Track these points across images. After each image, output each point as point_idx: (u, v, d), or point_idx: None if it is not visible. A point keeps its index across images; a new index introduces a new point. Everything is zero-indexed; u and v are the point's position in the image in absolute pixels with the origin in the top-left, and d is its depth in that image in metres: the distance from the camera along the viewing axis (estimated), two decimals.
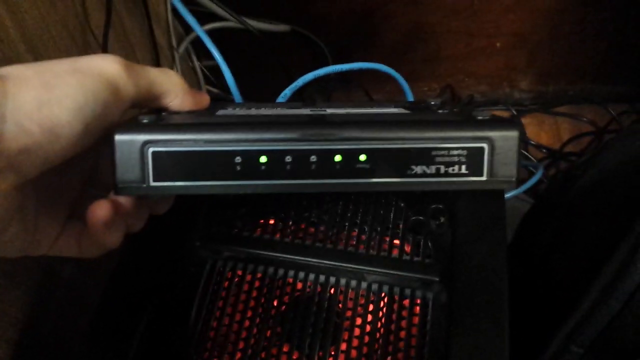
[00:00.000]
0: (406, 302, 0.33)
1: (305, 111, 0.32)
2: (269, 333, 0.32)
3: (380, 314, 0.32)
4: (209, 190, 0.25)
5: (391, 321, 0.32)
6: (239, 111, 0.32)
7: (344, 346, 0.31)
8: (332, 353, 0.31)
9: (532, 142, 0.78)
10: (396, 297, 0.33)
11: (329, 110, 0.32)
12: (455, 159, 0.25)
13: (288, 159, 0.25)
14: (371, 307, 0.33)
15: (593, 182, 0.41)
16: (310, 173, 0.25)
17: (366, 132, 0.25)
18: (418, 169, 0.25)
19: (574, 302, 0.35)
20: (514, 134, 0.25)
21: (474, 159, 0.25)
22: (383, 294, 0.33)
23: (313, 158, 0.25)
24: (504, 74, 0.77)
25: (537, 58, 0.74)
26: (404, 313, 0.32)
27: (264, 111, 0.32)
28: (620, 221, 0.35)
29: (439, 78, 0.77)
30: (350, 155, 0.25)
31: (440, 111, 0.32)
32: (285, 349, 0.32)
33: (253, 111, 0.32)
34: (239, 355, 0.32)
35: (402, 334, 0.31)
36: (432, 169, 0.25)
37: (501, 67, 0.75)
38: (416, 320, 0.32)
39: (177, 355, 0.32)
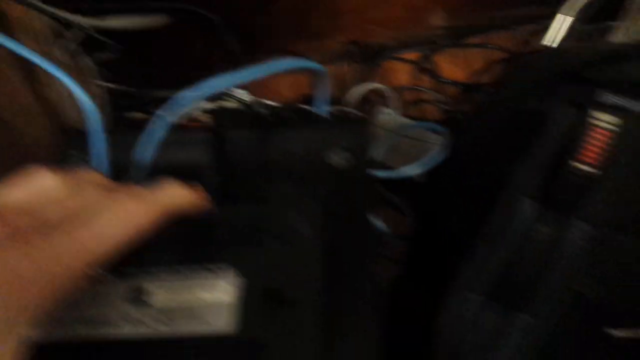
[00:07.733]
0: None
1: None
2: None
3: None
4: None
5: None
6: None
7: None
8: None
9: (446, 80, 0.79)
10: None
11: None
12: None
13: None
14: None
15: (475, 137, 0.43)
16: None
17: None
18: None
19: (468, 254, 0.38)
20: None
21: None
22: None
23: None
24: (412, 16, 0.76)
25: None
26: None
27: None
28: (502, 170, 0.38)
29: (346, 31, 0.76)
30: None
31: None
32: None
33: None
34: None
35: None
36: None
37: (408, 9, 0.75)
38: None
39: None
